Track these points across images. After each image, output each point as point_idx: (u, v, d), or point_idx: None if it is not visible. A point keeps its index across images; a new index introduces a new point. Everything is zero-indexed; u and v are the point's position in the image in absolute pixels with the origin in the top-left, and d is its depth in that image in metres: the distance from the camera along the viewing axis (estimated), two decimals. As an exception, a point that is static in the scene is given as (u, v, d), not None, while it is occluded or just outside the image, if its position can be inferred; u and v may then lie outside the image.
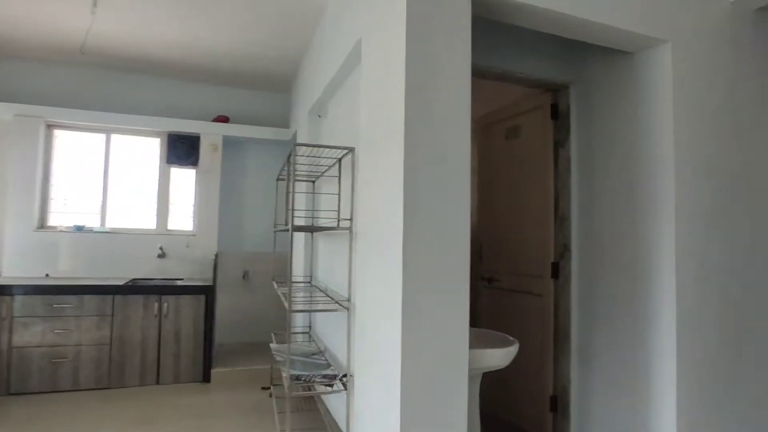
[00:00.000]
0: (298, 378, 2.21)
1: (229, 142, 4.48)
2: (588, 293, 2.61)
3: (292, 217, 2.05)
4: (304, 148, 2.35)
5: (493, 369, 1.90)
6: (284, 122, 4.64)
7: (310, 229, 2.28)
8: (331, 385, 2.18)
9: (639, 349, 2.29)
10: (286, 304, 2.21)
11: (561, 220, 2.79)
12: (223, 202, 4.41)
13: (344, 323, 2.39)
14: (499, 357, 1.86)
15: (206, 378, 3.60)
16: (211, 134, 4.19)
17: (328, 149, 2.37)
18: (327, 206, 2.89)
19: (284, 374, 2.26)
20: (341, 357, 2.46)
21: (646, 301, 2.26)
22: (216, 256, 3.75)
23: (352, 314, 2.18)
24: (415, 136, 1.66)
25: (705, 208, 2.28)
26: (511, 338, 1.99)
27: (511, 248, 3.15)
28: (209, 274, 4.12)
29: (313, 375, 2.24)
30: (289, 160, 2.35)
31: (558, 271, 2.80)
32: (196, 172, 4.26)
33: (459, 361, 1.69)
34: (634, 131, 2.36)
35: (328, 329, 2.84)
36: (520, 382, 2.97)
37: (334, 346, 2.67)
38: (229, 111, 4.46)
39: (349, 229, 2.21)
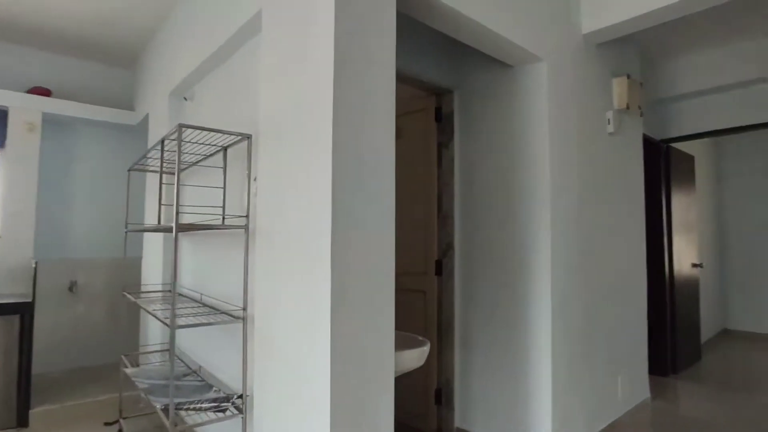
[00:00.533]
0: (178, 406, 1.85)
1: (52, 122, 3.59)
2: (470, 288, 2.77)
3: (177, 214, 1.69)
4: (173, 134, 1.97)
5: (408, 370, 1.85)
6: (125, 103, 3.92)
7: (188, 228, 1.92)
8: (222, 410, 1.86)
9: (518, 337, 2.50)
10: (162, 320, 1.82)
11: (444, 218, 2.91)
12: (43, 197, 3.53)
13: (233, 337, 2.09)
14: (417, 358, 1.82)
15: (22, 422, 2.81)
16: (25, 109, 3.30)
17: (209, 135, 2.04)
18: (201, 201, 2.50)
19: (157, 404, 1.87)
20: (228, 376, 2.14)
21: (524, 293, 2.48)
22: (36, 264, 2.96)
23: (249, 326, 1.91)
24: (344, 129, 1.51)
25: (572, 207, 2.61)
26: (420, 338, 1.97)
27: (397, 247, 3.17)
28: (24, 288, 3.24)
29: (198, 400, 1.90)
30: (164, 146, 1.96)
31: (441, 268, 2.91)
32: (2, 157, 3.31)
33: (386, 365, 1.60)
34: (513, 136, 2.58)
35: (205, 345, 2.46)
36: (404, 378, 3.00)
37: (214, 365, 2.32)
38: (53, 83, 3.58)
39: (245, 227, 1.93)
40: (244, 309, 1.90)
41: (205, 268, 2.49)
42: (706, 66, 3.67)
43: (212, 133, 2.02)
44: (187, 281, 2.75)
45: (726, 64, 3.59)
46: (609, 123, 3.00)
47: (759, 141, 5.60)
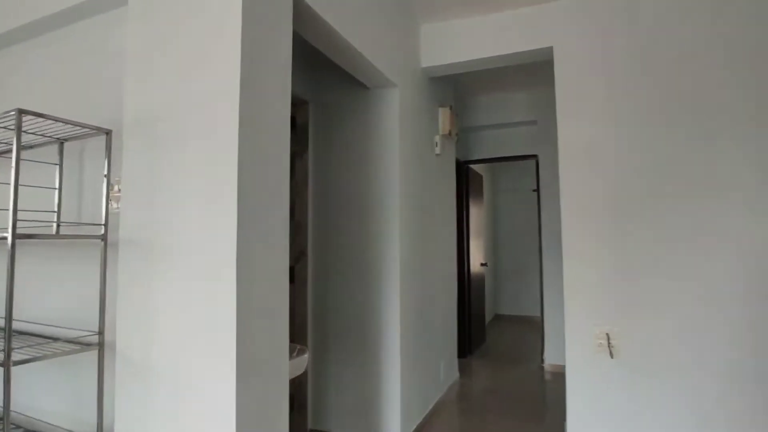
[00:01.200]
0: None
1: None
2: (324, 293, 2.88)
3: (14, 220, 1.35)
4: None
5: (293, 377, 1.87)
6: None
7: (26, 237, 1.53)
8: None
9: (369, 338, 2.73)
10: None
11: (297, 226, 2.95)
12: None
13: (76, 369, 1.75)
14: (303, 365, 1.85)
15: None
16: None
17: (42, 124, 1.67)
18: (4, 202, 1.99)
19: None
20: (66, 418, 1.77)
21: (376, 297, 2.73)
22: None
23: (108, 354, 1.63)
24: (248, 135, 1.47)
25: (414, 217, 2.97)
26: (299, 346, 2.00)
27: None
28: None
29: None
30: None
31: (294, 275, 2.94)
32: None
33: (282, 376, 1.60)
34: (368, 151, 2.81)
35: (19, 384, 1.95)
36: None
37: (35, 407, 1.88)
38: None
39: (103, 237, 1.65)
40: (101, 334, 1.63)
41: (29, 287, 1.98)
42: (496, 107, 4.60)
43: (45, 123, 1.66)
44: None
45: (508, 106, 4.56)
46: (437, 145, 3.50)
47: (525, 166, 7.17)
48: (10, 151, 1.94)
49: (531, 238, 7.28)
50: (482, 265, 5.50)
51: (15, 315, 1.95)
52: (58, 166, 1.81)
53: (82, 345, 1.60)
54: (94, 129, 1.61)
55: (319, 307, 2.90)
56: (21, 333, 1.83)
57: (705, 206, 2.48)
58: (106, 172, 1.65)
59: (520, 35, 2.94)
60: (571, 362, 2.72)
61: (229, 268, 1.40)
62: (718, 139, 2.48)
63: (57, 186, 1.80)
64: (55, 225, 1.78)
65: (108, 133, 1.65)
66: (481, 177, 5.59)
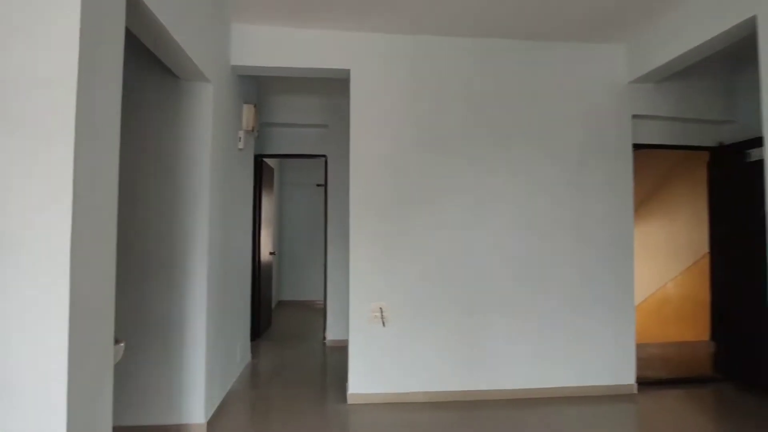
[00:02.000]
0: None
1: None
2: (131, 288, 2.76)
3: None
4: None
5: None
6: None
7: None
8: None
9: (174, 330, 2.77)
10: None
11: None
12: None
13: None
14: (120, 353, 1.87)
15: None
16: None
17: None
18: None
19: None
20: None
21: (182, 287, 2.78)
22: None
23: None
24: (89, 117, 1.48)
25: (220, 207, 3.10)
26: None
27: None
28: None
29: None
30: None
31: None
32: None
33: (107, 368, 1.65)
34: (179, 142, 2.82)
35: None
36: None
37: None
38: None
39: None
40: None
41: None
42: (292, 107, 4.96)
43: None
44: None
45: (303, 109, 4.98)
46: (240, 140, 3.66)
47: (311, 163, 7.70)
48: None
49: (314, 229, 7.93)
50: (271, 254, 5.82)
51: None
52: None
53: None
54: None
55: (125, 300, 2.75)
56: None
57: (444, 207, 3.40)
58: None
59: (324, 54, 3.38)
60: (353, 332, 3.32)
61: (63, 265, 1.40)
62: (457, 159, 3.42)
63: None
64: None
65: None
66: (272, 170, 5.88)
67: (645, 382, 3.64)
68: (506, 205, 3.46)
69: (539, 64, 3.54)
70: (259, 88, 4.54)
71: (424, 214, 3.38)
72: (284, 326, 6.01)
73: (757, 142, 2.97)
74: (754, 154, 3.56)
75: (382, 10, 3.07)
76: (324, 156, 5.17)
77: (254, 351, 4.60)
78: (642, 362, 4.21)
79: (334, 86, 4.31)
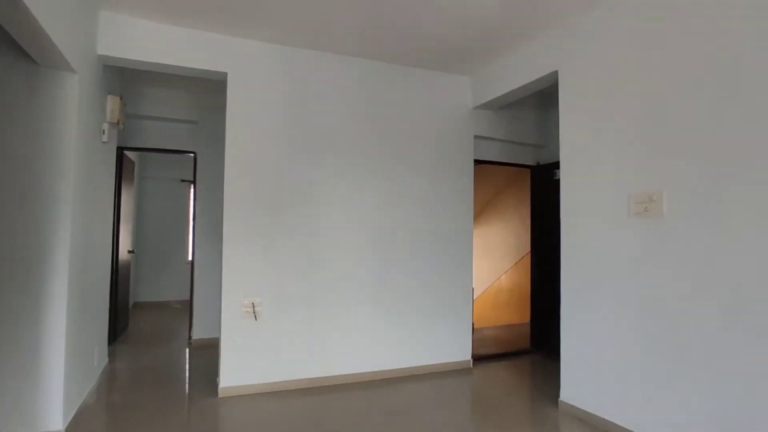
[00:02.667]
0: None
1: None
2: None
3: None
4: None
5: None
6: None
7: None
8: None
9: (33, 330, 2.60)
10: None
11: None
12: None
13: None
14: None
15: None
16: None
17: None
18: None
19: None
20: None
21: (39, 287, 2.63)
22: None
23: None
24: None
25: (82, 207, 2.95)
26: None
27: None
28: None
29: None
30: None
31: None
32: None
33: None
34: (38, 133, 2.65)
35: None
36: None
37: None
38: None
39: None
40: None
41: None
42: (160, 101, 4.77)
43: None
44: None
45: (172, 103, 4.83)
46: (104, 133, 3.49)
47: (175, 158, 7.31)
48: None
49: (177, 227, 7.56)
50: (130, 252, 5.47)
51: None
52: None
53: None
54: None
55: (-51, 303, 2.48)
56: None
57: (315, 209, 3.70)
58: None
59: (202, 55, 3.42)
60: (225, 327, 3.43)
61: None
62: (329, 166, 3.75)
63: None
64: None
65: None
66: (133, 163, 5.53)
67: (479, 358, 4.40)
68: (371, 207, 3.88)
69: (402, 86, 4.04)
70: (124, 78, 4.31)
71: (297, 216, 3.64)
72: (143, 328, 5.69)
73: (557, 165, 3.84)
74: (557, 174, 4.53)
75: (259, 20, 3.24)
76: (193, 153, 5.06)
77: (112, 354, 4.34)
78: (478, 342, 5.02)
79: (205, 84, 4.29)
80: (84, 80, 2.87)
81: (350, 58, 3.86)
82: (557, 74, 3.32)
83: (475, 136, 4.39)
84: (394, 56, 3.86)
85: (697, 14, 2.43)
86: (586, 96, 3.10)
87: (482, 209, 7.32)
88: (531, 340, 4.94)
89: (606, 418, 2.85)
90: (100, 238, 3.63)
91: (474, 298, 7.07)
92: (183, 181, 7.49)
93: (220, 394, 3.36)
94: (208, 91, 4.73)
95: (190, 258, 7.69)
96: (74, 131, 2.73)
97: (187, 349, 4.73)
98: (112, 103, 3.57)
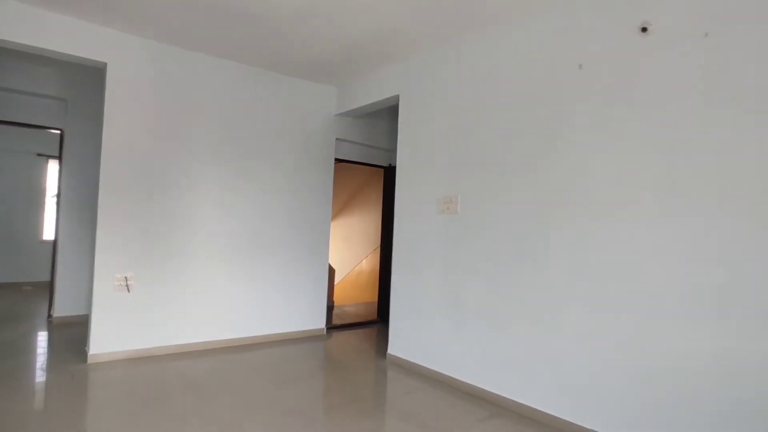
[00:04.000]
0: None
1: None
2: None
3: None
4: None
5: None
6: None
7: None
8: None
9: None
10: None
11: None
12: None
13: None
14: None
15: None
16: None
17: None
18: None
19: None
20: None
21: None
22: None
23: None
24: None
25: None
26: None
27: None
28: None
29: None
30: None
31: None
32: None
33: None
34: None
35: None
36: None
37: None
38: None
39: None
40: None
41: None
42: (25, 75, 4.69)
43: None
44: None
45: (38, 78, 4.77)
46: (-33, 108, 3.50)
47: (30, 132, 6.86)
48: None
49: (28, 204, 7.12)
50: (-23, 228, 5.21)
51: None
52: None
53: None
54: None
55: None
56: None
57: (190, 197, 4.16)
58: None
59: (80, 42, 3.63)
60: (97, 300, 3.73)
61: None
62: (203, 160, 4.21)
63: None
64: None
65: None
66: (-16, 135, 5.25)
67: (334, 327, 5.23)
68: (241, 197, 4.43)
69: (273, 90, 4.63)
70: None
71: (168, 200, 4.04)
72: (-10, 308, 5.45)
73: (402, 169, 4.80)
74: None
75: (139, 16, 3.58)
76: (60, 129, 5.04)
77: (-40, 332, 4.25)
78: (336, 316, 5.87)
79: (77, 65, 4.39)
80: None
81: (225, 61, 4.33)
82: (398, 97, 4.22)
83: (337, 139, 5.17)
84: (266, 64, 4.43)
85: (487, 69, 3.47)
86: (415, 118, 4.05)
87: (347, 203, 8.20)
88: (378, 312, 5.91)
89: (415, 361, 3.85)
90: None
91: (338, 280, 7.95)
92: (40, 155, 7.08)
93: (90, 360, 3.67)
94: (78, 72, 4.78)
95: (45, 237, 7.34)
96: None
97: (48, 326, 4.78)
98: (-24, 79, 3.58)
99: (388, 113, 5.52)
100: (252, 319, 4.51)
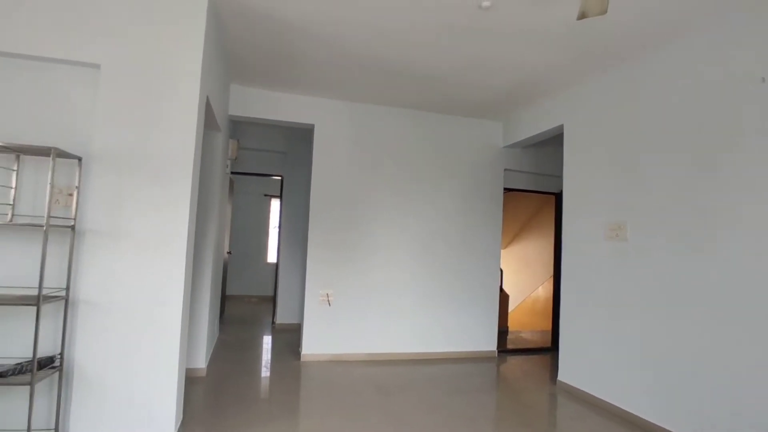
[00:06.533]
0: None
1: None
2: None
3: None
4: None
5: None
6: None
7: None
8: (54, 367, 2.42)
9: (195, 303, 3.96)
10: None
11: None
12: None
13: (25, 315, 2.49)
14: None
15: None
16: None
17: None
18: None
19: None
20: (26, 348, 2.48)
21: (200, 263, 3.98)
22: None
23: (72, 303, 2.53)
24: (196, 168, 2.76)
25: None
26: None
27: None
28: None
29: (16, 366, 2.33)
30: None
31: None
32: None
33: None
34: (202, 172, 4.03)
35: None
36: None
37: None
38: None
39: (72, 228, 2.53)
40: (67, 289, 2.52)
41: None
42: (259, 138, 6.20)
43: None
44: None
45: (267, 137, 6.24)
46: (228, 166, 4.88)
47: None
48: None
49: (258, 233, 9.07)
50: (228, 253, 6.94)
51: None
52: (15, 172, 2.50)
53: (52, 298, 2.45)
54: (74, 156, 2.49)
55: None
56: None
57: (376, 224, 4.88)
58: (50, 182, 2.47)
59: (296, 111, 4.73)
60: (307, 311, 4.67)
61: (179, 253, 2.65)
62: (388, 192, 4.93)
63: (12, 186, 2.49)
64: (10, 215, 2.47)
65: (79, 159, 2.55)
66: (233, 182, 7.03)
67: (507, 351, 5.38)
68: (419, 226, 5.02)
69: (445, 129, 5.17)
70: (234, 125, 5.76)
71: (360, 229, 4.84)
72: (234, 314, 7.14)
73: (571, 195, 4.78)
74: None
75: (337, 86, 4.50)
76: (281, 176, 6.46)
77: (219, 330, 5.75)
78: (511, 341, 5.99)
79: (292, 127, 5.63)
80: (223, 135, 4.24)
81: (403, 110, 5.05)
82: (562, 127, 4.30)
83: (506, 169, 5.41)
84: (436, 108, 5.00)
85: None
86: (580, 145, 4.07)
87: (521, 230, 8.24)
88: (552, 339, 5.82)
89: (584, 389, 3.77)
90: (219, 240, 5.02)
91: (513, 306, 7.98)
92: (266, 195, 9.00)
93: (302, 359, 4.60)
94: (294, 131, 6.10)
95: (269, 260, 9.19)
96: (219, 169, 4.10)
97: (272, 330, 6.07)
98: (232, 146, 4.96)
99: (555, 141, 5.55)
100: (429, 337, 4.99)
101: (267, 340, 5.53)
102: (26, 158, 2.57)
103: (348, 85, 4.41)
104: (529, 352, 5.56)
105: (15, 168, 2.53)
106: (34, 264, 2.50)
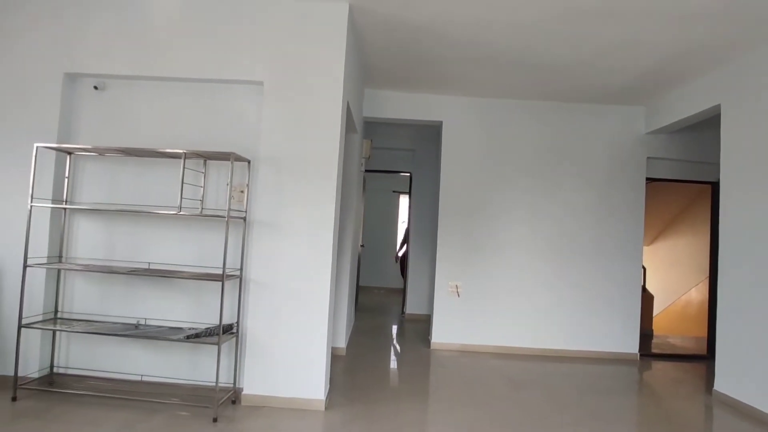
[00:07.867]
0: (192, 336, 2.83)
1: None
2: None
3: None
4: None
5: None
6: None
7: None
8: (232, 333, 2.98)
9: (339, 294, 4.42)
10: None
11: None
12: None
13: (211, 290, 3.10)
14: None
15: None
16: None
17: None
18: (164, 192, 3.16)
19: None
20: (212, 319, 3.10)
21: (343, 254, 4.42)
22: None
23: (244, 281, 3.08)
24: (339, 173, 3.11)
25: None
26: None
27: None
28: None
29: (202, 331, 2.90)
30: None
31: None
32: None
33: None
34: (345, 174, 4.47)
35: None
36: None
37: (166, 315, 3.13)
38: None
39: (244, 219, 3.07)
40: (241, 269, 3.06)
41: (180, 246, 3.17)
42: (388, 136, 6.57)
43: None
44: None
45: (397, 136, 6.57)
46: (363, 164, 5.29)
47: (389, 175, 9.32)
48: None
49: (387, 228, 9.56)
50: (361, 246, 7.47)
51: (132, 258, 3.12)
52: (203, 174, 3.11)
53: (229, 276, 2.99)
54: (246, 160, 3.00)
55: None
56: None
57: (505, 219, 4.86)
58: (228, 181, 2.98)
59: (425, 110, 4.95)
60: (437, 301, 4.86)
61: (327, 242, 3.02)
62: (517, 186, 4.88)
63: (202, 185, 3.10)
64: (200, 208, 3.08)
65: (248, 162, 3.06)
66: (365, 179, 7.53)
67: (651, 355, 4.97)
68: (550, 219, 4.88)
69: (577, 118, 4.93)
70: (368, 126, 6.20)
71: (488, 224, 4.87)
72: (366, 303, 7.66)
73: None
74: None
75: (464, 85, 4.59)
76: (410, 173, 6.75)
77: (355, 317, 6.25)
78: (656, 345, 5.52)
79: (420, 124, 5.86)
80: (359, 136, 4.63)
81: (537, 102, 4.94)
82: (719, 107, 3.83)
83: (649, 158, 4.97)
84: (566, 97, 4.80)
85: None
86: (742, 126, 3.59)
87: (669, 224, 7.42)
88: (707, 347, 5.19)
89: (747, 402, 3.33)
90: (355, 233, 5.46)
91: (661, 308, 7.25)
92: (395, 191, 9.44)
93: (432, 347, 4.81)
94: (422, 129, 6.33)
95: (397, 253, 9.61)
96: (356, 167, 4.49)
97: (401, 320, 6.40)
98: (366, 145, 5.36)
99: (709, 124, 4.93)
100: (561, 334, 4.83)
101: (397, 328, 5.86)
102: (208, 162, 3.16)
103: (475, 81, 4.48)
104: (679, 358, 5.05)
105: (203, 171, 3.14)
106: (213, 248, 3.09)
